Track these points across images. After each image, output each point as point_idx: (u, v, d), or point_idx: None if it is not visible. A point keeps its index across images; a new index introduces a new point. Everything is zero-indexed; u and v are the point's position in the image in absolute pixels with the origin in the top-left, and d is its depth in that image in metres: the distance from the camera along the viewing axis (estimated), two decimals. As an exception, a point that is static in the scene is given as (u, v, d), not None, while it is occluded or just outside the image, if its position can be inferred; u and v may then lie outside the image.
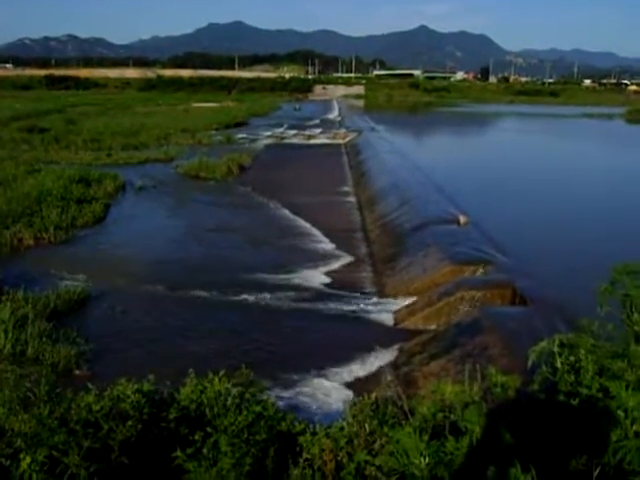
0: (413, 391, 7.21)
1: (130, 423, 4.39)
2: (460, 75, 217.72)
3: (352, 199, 21.87)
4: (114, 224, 17.90)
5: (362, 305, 11.39)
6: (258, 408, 4.66)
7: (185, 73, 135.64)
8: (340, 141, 39.78)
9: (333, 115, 66.77)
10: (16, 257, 14.10)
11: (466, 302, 10.14)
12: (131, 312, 11.07)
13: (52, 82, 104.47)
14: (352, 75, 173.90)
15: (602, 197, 22.00)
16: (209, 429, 4.43)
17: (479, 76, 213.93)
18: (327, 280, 12.89)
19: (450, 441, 3.60)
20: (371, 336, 9.97)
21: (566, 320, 8.28)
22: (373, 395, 4.98)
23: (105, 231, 17.09)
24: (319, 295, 11.91)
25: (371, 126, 47.63)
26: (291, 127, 49.56)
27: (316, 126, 51.21)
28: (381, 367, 8.88)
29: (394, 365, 8.92)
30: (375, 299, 11.78)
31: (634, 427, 3.42)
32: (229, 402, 4.72)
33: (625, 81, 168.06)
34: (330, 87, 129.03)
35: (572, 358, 3.99)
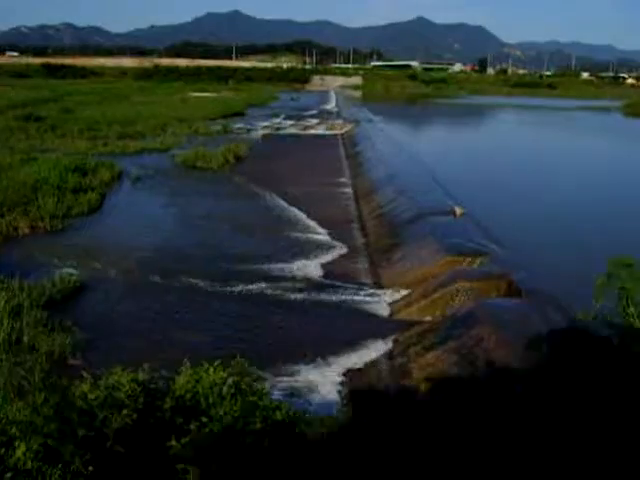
0: (408, 381, 7.24)
1: (125, 412, 4.38)
2: (458, 67, 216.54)
3: (348, 190, 21.83)
4: (110, 213, 17.87)
5: (358, 296, 11.40)
6: (253, 398, 4.66)
7: (182, 62, 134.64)
8: (337, 132, 39.68)
9: (330, 106, 66.55)
10: (12, 245, 14.07)
11: (462, 294, 10.16)
12: (126, 300, 11.08)
13: (49, 70, 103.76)
14: (350, 66, 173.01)
15: (598, 190, 22.12)
16: (204, 419, 4.43)
17: (477, 68, 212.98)
18: (323, 271, 12.89)
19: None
20: (367, 327, 9.98)
21: (560, 311, 8.33)
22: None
23: (101, 220, 17.06)
24: (314, 286, 11.91)
25: (368, 117, 47.56)
26: (288, 117, 49.49)
27: (313, 117, 51.08)
28: (377, 358, 8.90)
29: (389, 356, 8.94)
30: (371, 290, 11.78)
31: None
32: (224, 391, 4.72)
33: (623, 75, 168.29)
34: (328, 78, 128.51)
35: None
